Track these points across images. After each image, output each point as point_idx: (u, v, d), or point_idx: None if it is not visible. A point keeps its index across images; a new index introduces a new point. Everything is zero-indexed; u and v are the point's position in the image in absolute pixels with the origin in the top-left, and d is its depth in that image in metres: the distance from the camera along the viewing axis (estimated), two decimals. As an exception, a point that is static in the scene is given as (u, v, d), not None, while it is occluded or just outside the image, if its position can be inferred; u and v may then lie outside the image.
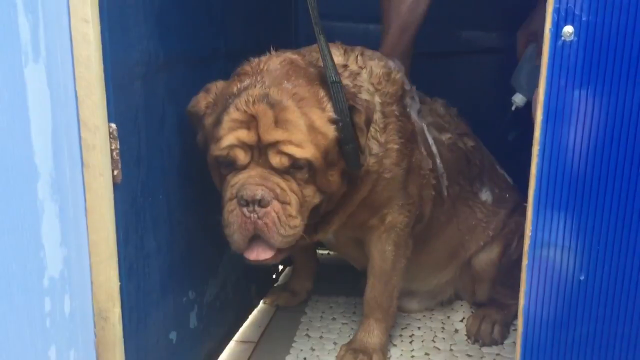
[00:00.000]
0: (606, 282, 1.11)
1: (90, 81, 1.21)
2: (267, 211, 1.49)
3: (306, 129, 1.49)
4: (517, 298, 2.18)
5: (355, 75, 1.72)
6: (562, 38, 1.05)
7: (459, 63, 2.61)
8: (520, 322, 1.18)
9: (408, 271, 2.03)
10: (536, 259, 1.14)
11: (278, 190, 1.50)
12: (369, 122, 1.61)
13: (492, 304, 2.20)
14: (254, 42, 2.09)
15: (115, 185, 1.30)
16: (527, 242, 1.14)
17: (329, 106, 1.54)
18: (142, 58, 1.46)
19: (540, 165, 1.10)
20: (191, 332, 1.79)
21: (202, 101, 1.62)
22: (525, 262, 1.15)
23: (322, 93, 1.55)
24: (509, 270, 2.12)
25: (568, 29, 1.04)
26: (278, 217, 1.50)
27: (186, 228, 1.72)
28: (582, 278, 1.12)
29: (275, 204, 1.50)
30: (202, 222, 1.79)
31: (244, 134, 1.49)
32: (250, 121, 1.49)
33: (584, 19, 1.03)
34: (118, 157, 1.30)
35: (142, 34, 1.46)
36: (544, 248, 1.13)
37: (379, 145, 1.72)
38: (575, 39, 1.04)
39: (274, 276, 2.56)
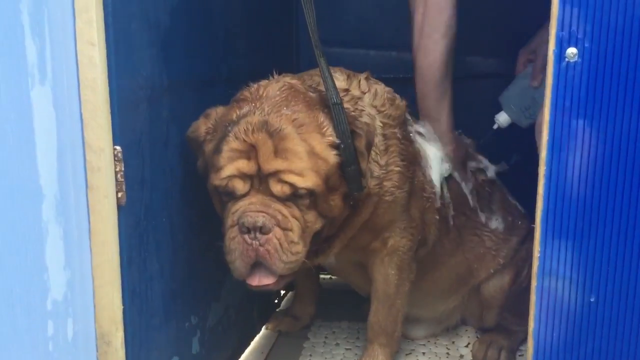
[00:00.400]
0: (617, 303, 1.09)
1: (95, 104, 1.21)
2: (269, 238, 1.49)
3: (307, 156, 1.49)
4: (524, 325, 2.19)
5: (356, 99, 1.72)
6: (566, 59, 1.05)
7: (460, 88, 2.62)
8: (530, 345, 1.17)
9: (414, 298, 2.01)
10: (545, 281, 1.13)
11: (279, 217, 1.49)
12: (369, 145, 1.61)
13: (499, 329, 2.17)
14: (255, 66, 2.10)
15: (119, 207, 1.30)
16: (535, 263, 1.13)
17: (329, 131, 1.54)
18: (147, 82, 1.47)
19: (547, 186, 1.10)
20: (194, 358, 1.76)
21: (202, 127, 1.61)
22: (534, 284, 1.14)
23: (322, 118, 1.55)
24: (518, 298, 2.10)
25: (572, 51, 1.05)
26: (280, 243, 1.50)
27: (189, 251, 1.71)
28: (592, 300, 1.11)
29: (277, 231, 1.49)
30: (204, 245, 1.78)
31: (243, 164, 1.48)
32: (250, 150, 1.48)
33: (587, 40, 1.03)
34: (122, 179, 1.30)
35: (146, 58, 1.47)
36: (553, 269, 1.12)
37: (380, 167, 1.72)
38: (579, 60, 1.05)
39: (276, 301, 2.53)
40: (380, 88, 1.84)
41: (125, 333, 1.35)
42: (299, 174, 1.48)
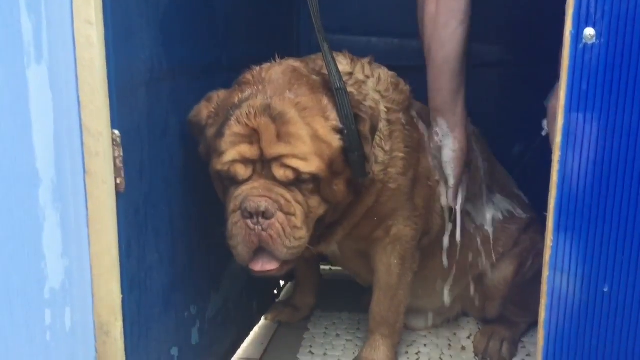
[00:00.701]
0: (630, 293, 1.07)
1: (93, 85, 1.17)
2: (272, 223, 1.46)
3: (310, 140, 1.46)
4: (526, 316, 2.19)
5: (360, 83, 1.70)
6: (584, 41, 1.02)
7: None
8: (540, 335, 1.14)
9: (415, 287, 1.98)
10: (557, 271, 1.10)
11: (282, 202, 1.46)
12: (374, 130, 1.58)
13: (501, 321, 2.15)
14: (256, 53, 2.05)
15: (118, 193, 1.26)
16: (547, 253, 1.09)
17: (333, 115, 1.51)
18: (146, 65, 1.43)
19: (562, 172, 1.06)
20: (193, 349, 1.73)
21: (204, 110, 1.58)
22: (546, 273, 1.11)
23: (325, 101, 1.52)
24: (521, 289, 2.08)
25: (590, 32, 1.01)
26: (283, 228, 1.47)
27: (189, 241, 1.67)
28: (605, 290, 1.08)
29: (280, 216, 1.46)
30: (204, 234, 1.74)
31: (246, 149, 1.45)
32: (253, 135, 1.45)
33: (606, 21, 1.00)
34: (121, 165, 1.26)
35: (145, 40, 1.42)
36: (566, 259, 1.09)
37: (384, 153, 1.69)
38: (597, 41, 1.01)
39: (275, 291, 2.50)
40: (384, 72, 1.81)
41: (124, 323, 1.31)
42: (303, 159, 1.45)
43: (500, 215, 2.10)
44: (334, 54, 1.59)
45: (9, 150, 0.94)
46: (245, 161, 1.46)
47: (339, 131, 1.51)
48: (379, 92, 1.74)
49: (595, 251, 1.08)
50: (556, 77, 1.42)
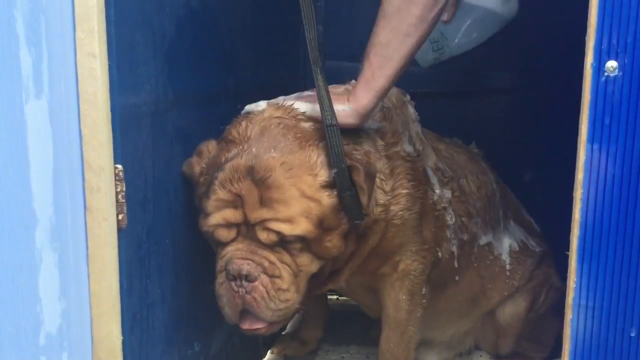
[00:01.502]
0: (659, 338, 1.01)
1: (96, 119, 1.14)
2: (255, 286, 1.43)
3: (296, 201, 1.41)
4: (541, 351, 2.12)
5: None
6: (606, 73, 0.98)
7: (472, 103, 2.56)
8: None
9: (424, 318, 1.91)
10: (581, 314, 1.04)
11: (266, 264, 1.43)
12: (370, 178, 1.51)
13: (515, 356, 2.08)
14: (262, 80, 2.04)
15: (119, 230, 1.22)
16: (570, 295, 1.04)
17: (322, 170, 1.45)
18: (151, 96, 1.40)
19: (585, 210, 1.01)
20: (196, 387, 1.67)
21: (195, 166, 1.54)
22: (569, 316, 1.05)
23: (315, 156, 1.46)
24: (535, 325, 2.01)
25: (612, 64, 0.97)
26: (267, 291, 1.43)
27: (192, 275, 1.62)
28: (632, 334, 1.02)
29: (264, 278, 1.43)
30: (207, 268, 1.69)
31: (229, 214, 1.43)
32: (237, 200, 1.42)
33: (628, 53, 0.96)
34: (124, 201, 1.22)
35: (151, 71, 1.39)
36: (590, 301, 1.03)
37: (385, 193, 1.63)
38: (620, 74, 0.97)
39: (281, 324, 2.44)
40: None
41: (126, 364, 1.26)
42: (287, 221, 1.41)
43: (516, 246, 2.05)
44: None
45: (5, 190, 0.90)
46: (229, 225, 1.44)
47: (329, 186, 1.45)
48: (370, 127, 1.68)
49: (622, 293, 1.02)
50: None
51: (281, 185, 1.40)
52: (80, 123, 1.12)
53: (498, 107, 2.53)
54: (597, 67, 0.97)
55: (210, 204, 1.44)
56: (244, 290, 1.43)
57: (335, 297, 2.61)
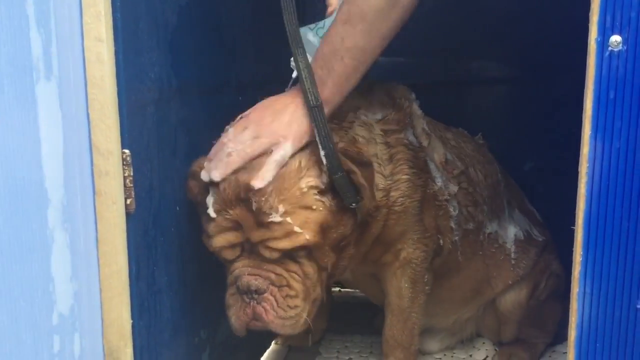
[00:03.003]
0: (668, 309, 1.02)
1: (103, 103, 1.14)
2: (264, 297, 1.46)
3: (290, 217, 1.41)
4: (544, 337, 2.14)
5: (345, 113, 1.61)
6: (610, 48, 0.99)
7: (469, 93, 2.57)
8: (570, 356, 1.09)
9: (428, 306, 1.92)
10: (588, 286, 1.05)
11: (273, 277, 1.45)
12: (368, 173, 1.51)
13: (518, 342, 2.09)
14: (263, 74, 2.05)
15: (128, 214, 1.22)
16: (577, 268, 1.05)
17: (310, 173, 1.44)
18: (155, 84, 1.40)
19: (590, 184, 1.02)
20: (203, 375, 1.68)
21: (193, 189, 1.54)
22: (575, 290, 1.06)
23: (304, 161, 1.44)
24: (536, 311, 2.03)
25: (616, 38, 0.98)
26: (275, 299, 1.46)
27: (198, 263, 1.63)
28: (639, 306, 1.04)
29: (272, 289, 1.46)
30: (212, 258, 1.69)
31: (232, 236, 1.44)
32: (235, 224, 1.43)
33: (633, 27, 0.97)
34: (132, 185, 1.23)
35: (154, 59, 1.40)
36: (596, 274, 1.04)
37: (384, 178, 1.63)
38: (624, 48, 0.98)
39: (285, 315, 2.44)
40: (378, 92, 1.74)
41: (134, 349, 1.27)
42: (285, 237, 1.42)
43: (521, 235, 2.06)
44: None
45: (18, 168, 0.90)
46: (232, 246, 1.46)
47: (321, 191, 1.44)
48: (372, 115, 1.68)
49: (627, 265, 1.04)
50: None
51: (271, 206, 1.40)
52: (88, 107, 1.13)
53: (497, 96, 2.55)
54: (602, 42, 0.98)
55: (211, 228, 1.46)
56: (254, 301, 1.46)
57: (337, 289, 2.62)
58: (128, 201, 1.22)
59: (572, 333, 1.07)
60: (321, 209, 1.44)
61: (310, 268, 1.49)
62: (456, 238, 1.88)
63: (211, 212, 1.45)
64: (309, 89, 1.41)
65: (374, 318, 2.28)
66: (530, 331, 2.10)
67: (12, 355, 0.88)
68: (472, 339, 2.21)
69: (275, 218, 1.41)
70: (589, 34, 1.00)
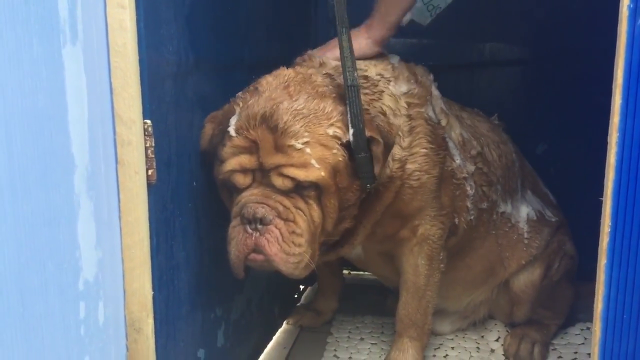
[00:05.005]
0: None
1: (126, 72, 1.13)
2: (269, 229, 1.42)
3: (310, 148, 1.41)
4: (557, 318, 2.13)
5: (376, 82, 1.65)
6: (643, 15, 0.98)
7: (483, 75, 2.55)
8: (597, 328, 1.08)
9: (441, 287, 1.92)
10: (616, 257, 1.04)
11: (281, 208, 1.43)
12: (387, 150, 1.52)
13: (531, 323, 2.09)
14: (276, 52, 2.03)
15: (149, 185, 1.21)
16: (605, 239, 1.04)
17: (338, 122, 1.45)
18: (173, 57, 1.39)
19: (620, 154, 1.01)
20: (218, 351, 1.68)
21: (208, 131, 1.54)
22: (603, 261, 1.06)
23: (330, 108, 1.46)
24: (549, 292, 2.03)
25: (650, 6, 0.97)
26: (281, 233, 1.42)
27: (214, 240, 1.61)
28: (668, 277, 1.03)
29: (278, 222, 1.42)
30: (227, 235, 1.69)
31: (245, 159, 1.43)
32: (252, 146, 1.42)
33: (666, -7, 0.96)
34: (153, 156, 1.22)
35: (173, 32, 1.39)
36: (625, 244, 1.04)
37: (402, 149, 1.63)
38: (658, 16, 0.97)
39: (295, 296, 2.45)
40: (403, 67, 1.76)
41: (155, 321, 1.26)
42: (301, 167, 1.41)
43: (533, 215, 2.05)
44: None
45: (46, 131, 0.89)
46: (244, 171, 1.44)
47: (344, 145, 1.45)
48: (399, 88, 1.69)
49: (657, 236, 1.03)
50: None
51: (296, 131, 1.41)
52: (110, 75, 1.11)
53: (507, 78, 2.53)
54: (634, 8, 0.97)
55: (226, 150, 1.44)
56: (257, 233, 1.41)
57: (347, 271, 2.62)
58: (150, 172, 1.22)
59: (599, 305, 1.06)
60: (340, 158, 1.44)
61: (316, 212, 1.46)
62: (471, 217, 1.88)
63: (231, 130, 1.43)
64: (348, 68, 1.45)
65: (385, 300, 2.28)
66: (543, 312, 2.09)
67: (42, 318, 0.88)
68: (484, 321, 2.21)
69: (297, 144, 1.40)
70: (621, 1, 0.99)
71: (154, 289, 1.28)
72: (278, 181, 1.42)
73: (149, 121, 1.21)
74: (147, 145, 1.21)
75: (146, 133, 1.20)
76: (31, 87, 0.85)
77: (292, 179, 1.41)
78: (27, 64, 0.85)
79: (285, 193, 1.44)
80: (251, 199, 1.43)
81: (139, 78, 1.17)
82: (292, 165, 1.41)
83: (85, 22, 1.03)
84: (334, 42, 1.71)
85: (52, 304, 0.90)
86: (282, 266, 1.44)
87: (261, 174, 1.44)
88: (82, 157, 1.00)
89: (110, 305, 1.10)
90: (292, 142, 1.41)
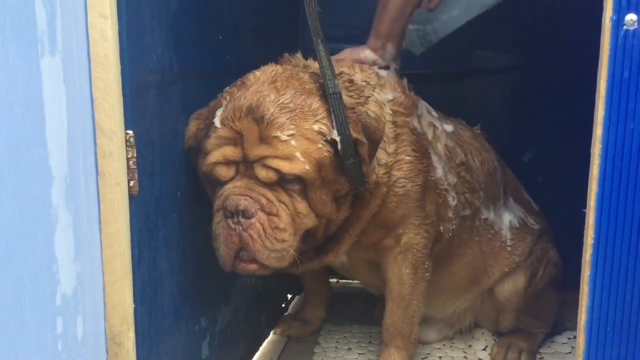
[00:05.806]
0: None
1: (107, 82, 1.12)
2: (252, 222, 1.41)
3: (295, 140, 1.42)
4: (543, 326, 2.13)
5: (361, 88, 1.64)
6: (625, 27, 0.98)
7: (473, 83, 2.56)
8: (581, 340, 1.08)
9: (426, 295, 1.91)
10: (599, 269, 1.04)
11: (264, 201, 1.42)
12: (373, 151, 1.53)
13: (517, 332, 2.09)
14: (263, 58, 2.02)
15: (131, 196, 1.20)
16: (588, 251, 1.04)
17: (323, 119, 1.46)
18: (157, 66, 1.38)
19: (603, 165, 1.01)
20: (203, 364, 1.66)
21: (192, 128, 1.54)
22: (587, 273, 1.05)
23: (315, 105, 1.47)
24: (534, 300, 2.03)
25: (631, 17, 0.97)
26: (263, 228, 1.42)
27: (198, 251, 1.61)
28: (651, 289, 1.03)
29: (261, 215, 1.42)
30: (213, 245, 1.67)
31: (229, 151, 1.43)
32: (236, 137, 1.42)
33: (648, 5, 0.96)
34: (135, 167, 1.20)
35: (156, 40, 1.38)
36: (608, 256, 1.03)
37: (388, 155, 1.64)
38: (639, 27, 0.97)
39: (283, 305, 2.43)
40: (390, 76, 1.78)
41: (136, 334, 1.24)
42: (286, 159, 1.41)
43: (516, 222, 2.06)
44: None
45: (23, 143, 0.88)
46: (228, 162, 1.44)
47: (328, 140, 1.45)
48: (384, 95, 1.69)
49: (640, 248, 1.03)
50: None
51: (282, 123, 1.41)
52: (91, 85, 1.10)
53: (497, 86, 2.53)
54: (617, 20, 0.97)
55: (210, 142, 1.44)
56: (240, 227, 1.41)
57: (335, 280, 2.61)
58: (131, 183, 1.20)
59: (582, 317, 1.06)
60: (325, 153, 1.44)
61: (301, 205, 1.46)
62: (454, 227, 1.88)
63: (216, 122, 1.43)
64: (328, 77, 1.46)
65: (373, 309, 2.27)
66: (529, 320, 2.09)
67: (17, 333, 0.86)
68: (471, 330, 2.20)
69: (282, 136, 1.40)
70: (604, 12, 0.99)
71: (135, 301, 1.26)
72: (262, 173, 1.42)
73: (130, 132, 1.20)
74: (129, 156, 1.19)
75: (128, 144, 1.19)
76: (8, 100, 0.83)
77: (276, 170, 1.41)
78: (3, 76, 0.83)
79: (269, 186, 1.43)
80: (234, 190, 1.43)
81: (120, 88, 1.16)
82: (276, 157, 1.41)
83: (65, 33, 1.01)
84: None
85: (27, 319, 0.89)
86: (266, 261, 1.45)
87: (245, 166, 1.43)
88: (61, 169, 0.98)
89: (89, 319, 1.08)
90: (278, 133, 1.41)
